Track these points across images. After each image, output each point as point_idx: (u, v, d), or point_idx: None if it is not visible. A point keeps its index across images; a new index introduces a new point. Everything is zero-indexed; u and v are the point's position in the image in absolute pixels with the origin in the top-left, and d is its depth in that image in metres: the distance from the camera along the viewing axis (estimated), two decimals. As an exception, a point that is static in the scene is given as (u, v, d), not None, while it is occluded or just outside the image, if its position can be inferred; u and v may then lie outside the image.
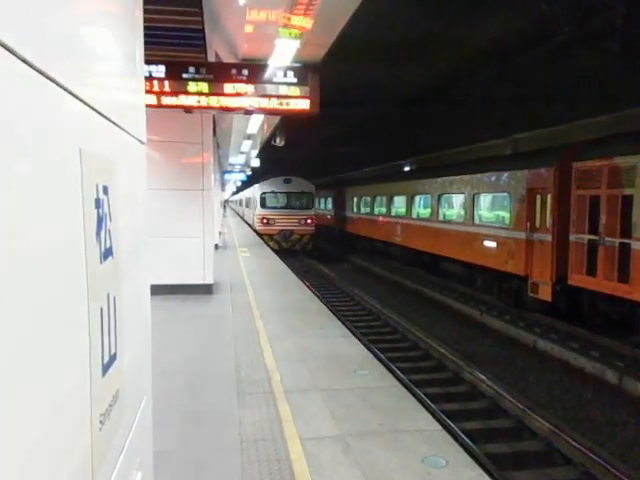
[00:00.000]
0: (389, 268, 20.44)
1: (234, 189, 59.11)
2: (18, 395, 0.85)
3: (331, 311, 10.57)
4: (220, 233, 22.51)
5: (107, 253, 1.34)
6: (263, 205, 25.37)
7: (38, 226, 0.94)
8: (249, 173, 34.94)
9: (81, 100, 1.18)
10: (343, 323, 9.69)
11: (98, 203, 1.25)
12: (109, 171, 1.41)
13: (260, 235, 25.53)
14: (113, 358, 1.41)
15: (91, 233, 1.20)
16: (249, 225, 33.13)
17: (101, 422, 1.27)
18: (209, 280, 11.20)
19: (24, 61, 0.88)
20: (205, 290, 11.11)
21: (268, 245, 23.23)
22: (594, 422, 7.30)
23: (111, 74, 1.64)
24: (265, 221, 24.93)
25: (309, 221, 25.02)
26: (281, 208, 25.18)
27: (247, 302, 10.54)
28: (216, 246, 17.19)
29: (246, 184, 36.23)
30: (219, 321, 9.02)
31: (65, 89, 1.07)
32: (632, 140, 10.00)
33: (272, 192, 25.45)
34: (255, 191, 27.29)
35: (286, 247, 24.38)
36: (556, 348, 9.94)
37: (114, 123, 1.53)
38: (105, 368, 1.32)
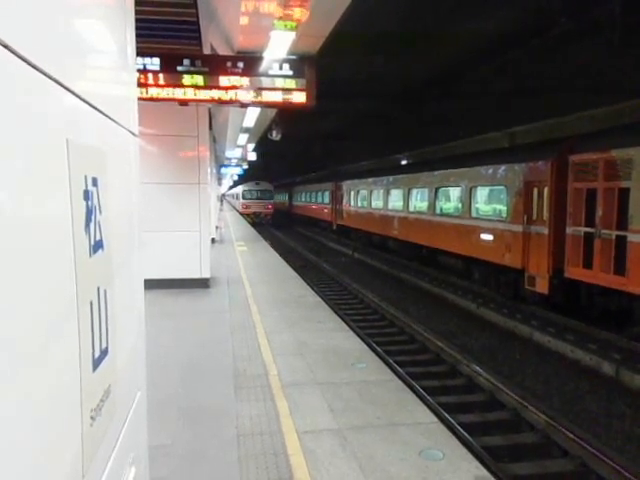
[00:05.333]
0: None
1: (231, 183, 59.72)
2: (4, 391, 0.82)
3: (328, 304, 10.57)
4: (217, 227, 22.50)
5: (97, 246, 1.31)
6: (244, 197, 43.74)
7: (23, 217, 0.91)
8: (246, 167, 35.01)
9: (68, 90, 1.15)
10: (339, 315, 9.69)
11: (87, 195, 1.22)
12: (99, 162, 1.39)
13: (242, 214, 43.01)
14: (104, 353, 1.39)
15: (80, 225, 1.17)
16: (236, 210, 50.09)
17: (92, 417, 1.26)
18: (206, 274, 11.18)
19: (9, 50, 0.85)
20: (202, 284, 11.10)
21: (246, 219, 39.14)
22: (591, 414, 7.32)
23: (101, 64, 1.61)
24: (245, 206, 43.37)
25: (269, 206, 43.67)
26: (254, 199, 43.30)
27: (244, 296, 10.52)
28: (213, 240, 17.15)
29: (240, 181, 50.07)
30: (216, 315, 9.01)
31: (51, 78, 1.04)
32: (629, 133, 9.98)
33: (249, 189, 43.72)
34: (240, 189, 46.30)
35: (257, 221, 40.37)
36: (553, 341, 9.96)
37: (104, 114, 1.50)
38: (96, 363, 1.30)
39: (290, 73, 7.39)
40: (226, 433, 4.63)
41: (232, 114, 13.80)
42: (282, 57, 7.26)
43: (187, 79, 7.15)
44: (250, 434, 4.61)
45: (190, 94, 7.22)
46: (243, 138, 19.14)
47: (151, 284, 9.80)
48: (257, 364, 6.44)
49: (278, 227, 40.05)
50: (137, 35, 2.10)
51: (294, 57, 7.37)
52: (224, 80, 7.28)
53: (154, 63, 7.07)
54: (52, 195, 1.06)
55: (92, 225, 1.27)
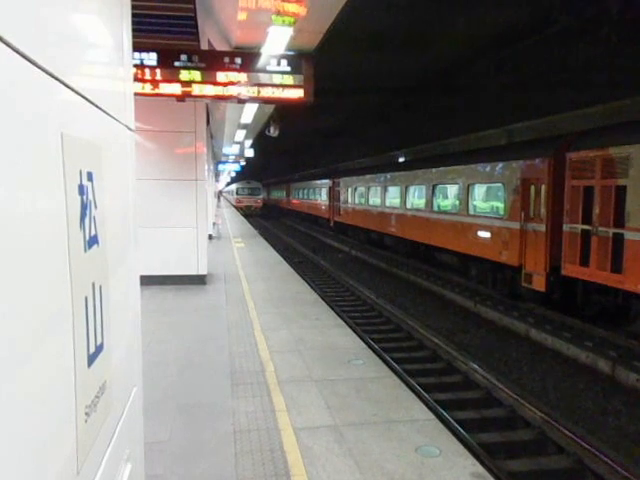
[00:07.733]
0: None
1: (228, 180, 60.91)
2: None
3: (325, 302, 10.57)
4: (214, 224, 22.48)
5: (92, 241, 1.30)
6: (237, 193, 52.74)
7: (17, 212, 0.90)
8: (243, 163, 34.95)
9: (63, 83, 1.14)
10: (336, 312, 9.68)
11: (82, 189, 1.21)
12: (94, 157, 1.37)
13: (236, 208, 51.31)
14: (100, 348, 1.38)
15: (74, 220, 1.16)
16: (232, 204, 59.04)
17: (87, 414, 1.25)
18: (203, 271, 11.17)
19: (4, 42, 0.84)
20: (199, 281, 11.09)
21: (240, 212, 46.41)
22: (587, 411, 7.34)
23: (97, 58, 1.60)
24: (238, 201, 52.00)
25: (259, 201, 52.02)
26: (245, 195, 51.61)
27: (241, 293, 10.51)
28: (210, 237, 17.13)
29: (237, 178, 57.26)
30: (213, 312, 9.00)
31: (46, 71, 1.03)
32: (626, 130, 9.98)
33: (241, 187, 52.05)
34: (234, 186, 56.02)
35: (248, 212, 47.82)
36: (549, 338, 9.98)
37: (100, 108, 1.48)
38: (91, 359, 1.29)
39: (288, 69, 7.36)
40: (222, 429, 4.63)
41: (230, 110, 13.76)
42: (280, 53, 7.23)
43: (184, 74, 7.12)
44: (246, 430, 4.61)
45: (187, 89, 7.19)
46: (241, 134, 19.10)
47: (147, 280, 9.83)
48: (254, 361, 6.44)
49: (270, 220, 45.52)
50: (134, 30, 2.09)
51: (292, 53, 7.34)
52: (221, 76, 7.24)
53: (151, 58, 7.02)
54: (46, 189, 1.05)
55: (87, 220, 1.26)
